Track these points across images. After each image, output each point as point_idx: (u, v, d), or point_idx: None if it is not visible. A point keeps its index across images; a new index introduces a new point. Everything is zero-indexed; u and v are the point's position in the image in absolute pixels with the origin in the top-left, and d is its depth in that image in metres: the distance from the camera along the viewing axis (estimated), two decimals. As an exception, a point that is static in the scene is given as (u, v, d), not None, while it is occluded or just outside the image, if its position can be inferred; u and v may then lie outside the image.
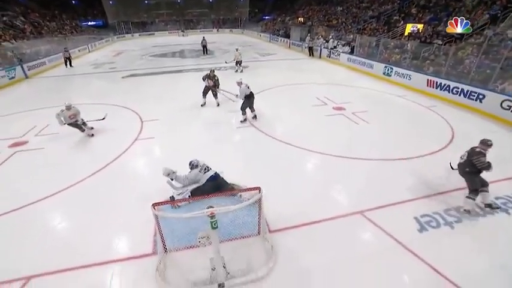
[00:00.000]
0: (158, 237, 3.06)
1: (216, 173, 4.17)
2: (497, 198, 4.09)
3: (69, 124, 6.15)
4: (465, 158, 3.86)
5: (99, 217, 3.88)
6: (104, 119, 6.76)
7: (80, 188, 4.55)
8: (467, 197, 3.81)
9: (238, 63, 12.84)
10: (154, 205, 2.80)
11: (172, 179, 4.10)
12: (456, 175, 4.55)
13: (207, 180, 4.06)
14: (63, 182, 4.62)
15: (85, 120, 6.47)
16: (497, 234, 3.53)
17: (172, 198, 3.96)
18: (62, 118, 6.02)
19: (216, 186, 4.00)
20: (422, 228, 3.58)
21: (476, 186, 3.78)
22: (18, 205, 4.11)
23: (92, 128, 6.64)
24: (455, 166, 4.65)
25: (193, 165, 4.24)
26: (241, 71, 12.66)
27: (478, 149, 3.73)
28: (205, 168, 4.18)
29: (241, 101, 7.04)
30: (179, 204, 3.83)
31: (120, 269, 3.09)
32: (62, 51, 15.72)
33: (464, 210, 3.81)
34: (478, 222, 3.71)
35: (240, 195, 3.88)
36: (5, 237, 3.61)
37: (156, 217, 2.85)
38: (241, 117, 7.16)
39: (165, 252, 3.16)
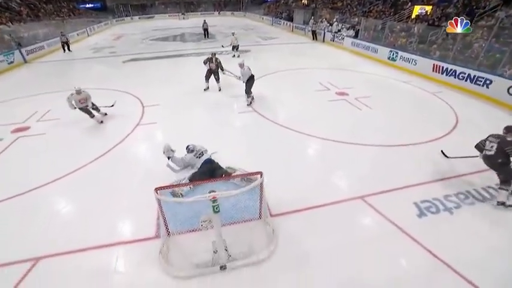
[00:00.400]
0: (161, 221, 3.11)
1: (210, 157, 4.36)
2: (497, 184, 4.06)
3: (80, 109, 6.06)
4: (495, 149, 3.66)
5: (103, 201, 3.94)
6: (113, 106, 6.68)
7: (83, 174, 4.59)
8: (500, 188, 3.70)
9: (235, 47, 12.55)
10: (156, 189, 2.82)
11: (169, 158, 4.31)
12: (457, 162, 4.57)
13: (202, 164, 4.23)
14: (67, 167, 4.65)
15: (97, 106, 6.38)
16: (495, 220, 3.54)
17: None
18: (73, 102, 5.92)
19: (211, 169, 4.14)
20: (421, 214, 3.61)
21: (510, 177, 3.65)
22: (24, 189, 4.17)
23: (106, 114, 6.60)
24: (450, 155, 4.69)
25: (189, 150, 4.46)
26: (238, 56, 12.36)
27: (509, 138, 3.57)
28: (200, 153, 4.37)
29: (243, 84, 6.99)
30: (182, 192, 3.88)
31: (124, 252, 3.17)
32: (59, 36, 15.37)
33: (498, 202, 3.69)
34: (476, 207, 3.72)
35: (233, 178, 3.95)
36: (13, 221, 3.68)
37: (159, 201, 2.88)
38: (247, 101, 7.15)
39: (168, 236, 3.22)
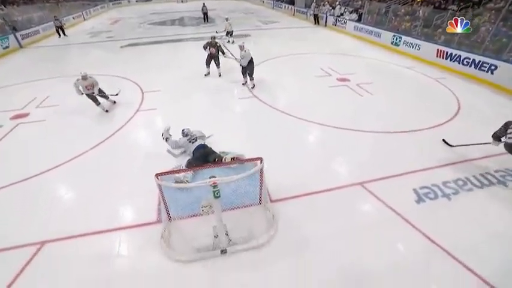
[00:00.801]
0: (162, 206, 3.14)
1: (203, 142, 4.40)
2: (496, 171, 4.10)
3: (87, 95, 5.90)
4: None
5: (104, 187, 3.97)
6: (117, 94, 6.50)
7: (84, 160, 4.60)
8: None
9: (229, 33, 12.22)
10: (157, 175, 2.83)
11: (167, 140, 4.47)
12: (456, 149, 4.56)
13: (195, 149, 4.25)
14: (67, 154, 4.65)
15: (106, 94, 6.20)
16: (493, 205, 3.57)
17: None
18: (80, 88, 5.77)
19: (204, 154, 4.18)
20: (420, 200, 3.63)
21: None
22: (25, 176, 4.19)
23: (114, 103, 6.47)
24: (452, 142, 4.64)
25: (184, 134, 4.56)
26: (233, 42, 11.94)
27: None
28: (194, 139, 4.40)
29: (244, 67, 6.95)
30: (187, 179, 3.87)
31: (126, 236, 3.22)
32: (53, 20, 14.91)
33: None
34: (474, 193, 3.74)
35: (223, 159, 4.01)
36: (14, 207, 3.72)
37: (160, 187, 2.90)
38: (250, 84, 7.20)
39: (169, 221, 3.26)
